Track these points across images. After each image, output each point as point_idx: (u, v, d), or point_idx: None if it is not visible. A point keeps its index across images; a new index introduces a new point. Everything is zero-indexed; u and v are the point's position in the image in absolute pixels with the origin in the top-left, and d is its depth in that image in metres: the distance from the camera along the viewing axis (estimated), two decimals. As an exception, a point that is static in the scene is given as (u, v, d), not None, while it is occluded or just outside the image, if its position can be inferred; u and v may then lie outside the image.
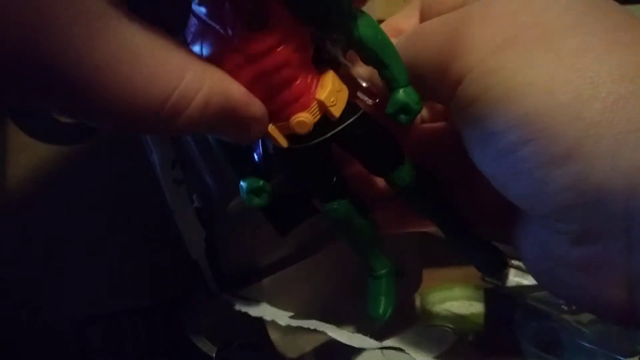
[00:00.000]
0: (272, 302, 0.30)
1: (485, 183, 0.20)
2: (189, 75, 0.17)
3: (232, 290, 0.36)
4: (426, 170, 0.24)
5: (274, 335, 0.31)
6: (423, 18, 0.24)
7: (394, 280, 0.27)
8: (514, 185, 0.19)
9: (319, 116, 0.21)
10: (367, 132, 0.22)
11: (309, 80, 0.20)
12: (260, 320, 0.29)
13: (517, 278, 0.40)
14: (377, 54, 0.20)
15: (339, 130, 0.21)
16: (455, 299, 0.29)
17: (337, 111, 0.21)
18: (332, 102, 0.21)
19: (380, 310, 0.26)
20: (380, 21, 0.32)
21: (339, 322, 0.26)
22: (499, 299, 0.41)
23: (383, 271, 0.26)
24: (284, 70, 0.19)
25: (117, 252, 0.41)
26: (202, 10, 0.19)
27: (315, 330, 0.24)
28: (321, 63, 0.21)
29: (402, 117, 0.21)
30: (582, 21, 0.18)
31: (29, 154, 0.39)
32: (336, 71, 0.22)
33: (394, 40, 0.22)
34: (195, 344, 0.36)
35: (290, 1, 0.18)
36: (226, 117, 0.18)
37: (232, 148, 0.23)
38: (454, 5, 0.22)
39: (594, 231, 0.17)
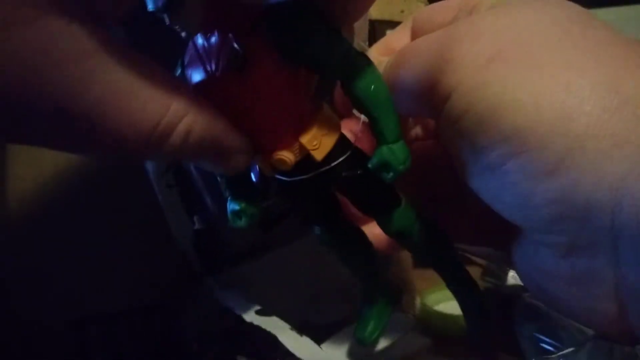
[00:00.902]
0: (260, 286, 0.31)
1: (477, 197, 0.20)
2: (174, 105, 0.17)
3: (216, 275, 0.38)
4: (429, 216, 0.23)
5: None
6: (415, 36, 0.24)
7: (388, 309, 0.27)
8: (501, 199, 0.19)
9: (300, 157, 0.20)
10: (355, 174, 0.21)
11: (293, 120, 0.20)
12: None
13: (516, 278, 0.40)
14: (364, 105, 0.19)
15: (323, 171, 0.21)
16: (453, 299, 0.29)
17: (319, 155, 0.20)
18: (315, 145, 0.20)
19: (366, 334, 0.27)
20: (380, 21, 0.32)
21: (325, 307, 0.26)
22: (499, 299, 0.40)
23: (379, 299, 0.26)
24: (266, 111, 0.19)
25: (117, 252, 0.41)
26: (198, 39, 0.19)
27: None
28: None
29: (384, 174, 0.20)
30: (567, 37, 0.18)
31: (29, 154, 0.39)
32: (332, 89, 0.22)
33: (384, 59, 0.22)
34: (194, 345, 0.37)
35: (279, 45, 0.18)
36: (207, 147, 0.19)
37: None
38: (443, 23, 0.22)
39: (581, 244, 0.17)
